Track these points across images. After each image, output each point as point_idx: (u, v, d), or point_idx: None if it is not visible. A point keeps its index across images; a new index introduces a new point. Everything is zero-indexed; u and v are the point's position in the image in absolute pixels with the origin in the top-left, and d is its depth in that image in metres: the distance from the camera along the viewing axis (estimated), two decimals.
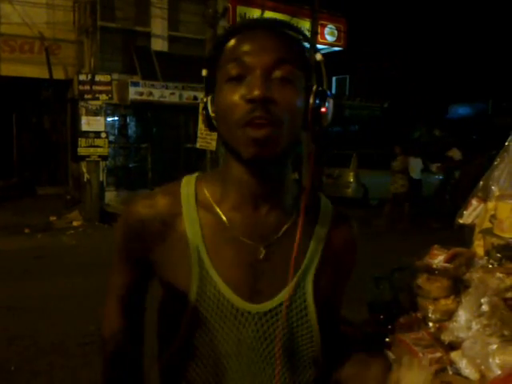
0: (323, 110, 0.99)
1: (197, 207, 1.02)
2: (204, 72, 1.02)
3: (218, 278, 0.99)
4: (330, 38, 18.26)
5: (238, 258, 1.00)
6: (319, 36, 16.40)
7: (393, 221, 11.59)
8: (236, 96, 0.93)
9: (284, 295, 1.01)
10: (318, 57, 1.00)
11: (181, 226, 1.01)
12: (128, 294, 1.11)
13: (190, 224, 1.01)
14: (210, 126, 1.03)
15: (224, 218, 1.01)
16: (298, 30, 1.01)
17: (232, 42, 0.97)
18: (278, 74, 0.93)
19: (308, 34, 11.91)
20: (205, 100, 1.02)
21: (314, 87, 0.99)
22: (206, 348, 0.98)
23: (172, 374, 1.04)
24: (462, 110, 24.64)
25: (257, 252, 1.01)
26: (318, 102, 0.98)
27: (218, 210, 1.02)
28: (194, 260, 0.99)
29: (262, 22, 0.99)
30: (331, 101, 1.00)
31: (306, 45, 1.02)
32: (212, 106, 1.00)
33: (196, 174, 1.08)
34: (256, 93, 0.90)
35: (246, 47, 0.94)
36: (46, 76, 12.56)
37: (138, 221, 1.03)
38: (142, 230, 1.02)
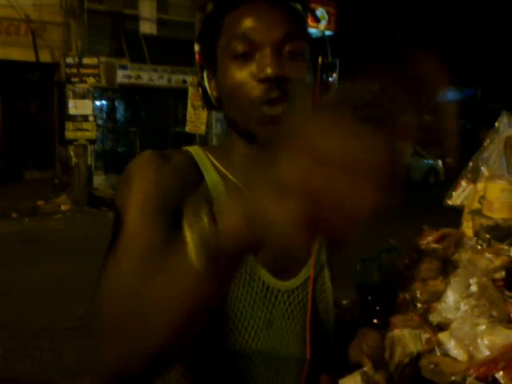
0: (330, 80, 0.98)
1: (218, 175, 0.95)
2: (196, 47, 0.98)
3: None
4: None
5: None
6: (309, 20, 16.32)
7: None
8: (245, 75, 0.89)
9: (307, 271, 0.99)
10: (321, 27, 0.98)
11: (206, 192, 0.93)
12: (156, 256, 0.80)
13: (217, 192, 0.93)
14: (209, 103, 0.98)
15: (245, 189, 0.94)
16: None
17: (233, 17, 0.92)
18: (287, 48, 0.90)
19: None
20: (199, 78, 0.97)
21: (320, 59, 0.97)
22: (234, 331, 0.90)
23: (191, 366, 0.92)
24: (452, 96, 24.68)
25: None
26: (324, 74, 0.97)
27: (235, 180, 0.96)
28: None
29: None
30: (336, 72, 0.99)
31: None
32: (209, 82, 0.96)
33: (197, 146, 1.01)
34: (269, 71, 0.87)
35: (251, 22, 0.90)
36: (33, 59, 12.41)
37: (174, 168, 0.90)
38: (179, 181, 0.89)
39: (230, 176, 0.96)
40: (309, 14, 0.99)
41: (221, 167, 0.97)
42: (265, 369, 0.94)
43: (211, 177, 0.95)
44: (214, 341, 0.90)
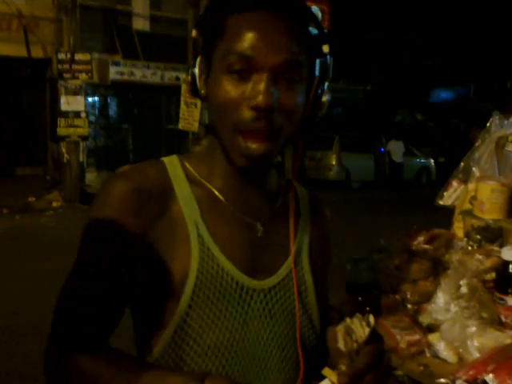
0: (323, 100, 0.96)
1: (188, 183, 0.97)
2: (194, 33, 0.94)
3: (221, 254, 0.93)
4: None
5: (238, 235, 0.97)
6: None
7: None
8: (237, 94, 0.87)
9: (285, 270, 0.99)
10: (326, 49, 0.95)
11: (175, 202, 0.94)
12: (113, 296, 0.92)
13: (185, 200, 0.95)
14: (195, 93, 0.96)
15: (218, 194, 0.97)
16: (308, 11, 0.94)
17: (237, 22, 0.88)
18: (286, 75, 0.88)
19: None
20: (190, 64, 0.95)
21: (317, 79, 0.95)
22: (208, 332, 0.91)
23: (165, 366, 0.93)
24: (444, 94, 24.77)
25: (254, 229, 0.98)
26: (318, 92, 0.95)
27: (210, 186, 0.97)
28: (193, 237, 0.93)
29: (270, 2, 0.89)
30: (329, 92, 0.97)
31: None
32: (200, 73, 0.93)
33: (174, 155, 1.02)
34: (262, 102, 0.85)
35: (253, 39, 0.86)
36: (25, 55, 12.33)
37: (137, 190, 0.92)
38: (141, 203, 0.92)
39: (207, 183, 0.98)
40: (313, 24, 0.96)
41: (197, 175, 0.98)
42: (243, 368, 0.94)
43: (181, 188, 0.96)
44: (184, 347, 0.91)
